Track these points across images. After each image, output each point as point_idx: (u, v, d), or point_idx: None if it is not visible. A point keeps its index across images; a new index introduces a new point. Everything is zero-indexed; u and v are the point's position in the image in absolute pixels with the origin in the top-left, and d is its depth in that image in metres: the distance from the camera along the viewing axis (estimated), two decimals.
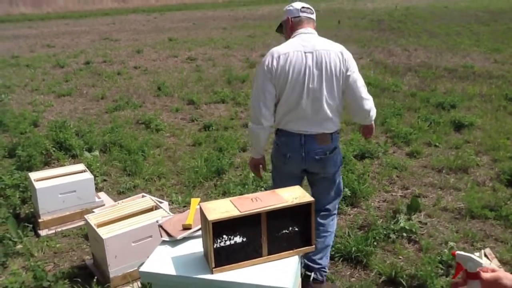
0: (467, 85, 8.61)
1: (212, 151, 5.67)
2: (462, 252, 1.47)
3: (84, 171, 4.25)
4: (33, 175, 4.15)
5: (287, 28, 2.87)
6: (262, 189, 4.44)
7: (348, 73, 2.70)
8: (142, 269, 2.01)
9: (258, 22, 21.69)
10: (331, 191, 3.00)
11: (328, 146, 2.79)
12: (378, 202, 4.37)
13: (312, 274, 2.94)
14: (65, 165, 4.91)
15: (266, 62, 2.70)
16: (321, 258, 2.97)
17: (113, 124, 6.80)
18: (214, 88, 8.98)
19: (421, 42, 14.14)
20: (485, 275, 1.34)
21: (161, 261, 2.04)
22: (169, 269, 1.98)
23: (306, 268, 2.95)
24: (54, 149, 5.54)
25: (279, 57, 2.67)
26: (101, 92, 8.88)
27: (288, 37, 2.87)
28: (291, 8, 2.86)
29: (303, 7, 2.83)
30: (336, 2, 35.12)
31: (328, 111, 2.72)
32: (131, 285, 3.14)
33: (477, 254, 1.46)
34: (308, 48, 2.69)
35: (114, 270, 3.11)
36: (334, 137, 2.83)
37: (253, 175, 4.73)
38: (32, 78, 10.54)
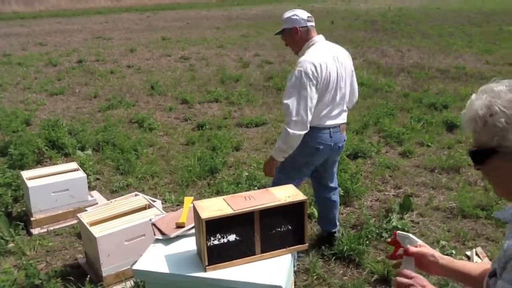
0: (459, 85, 8.67)
1: (205, 150, 5.67)
2: (401, 232, 1.68)
3: (77, 169, 4.24)
4: (25, 174, 4.13)
5: (295, 37, 3.05)
6: (256, 188, 4.46)
7: (352, 69, 3.20)
8: (135, 267, 2.01)
9: (252, 22, 21.70)
10: (335, 170, 3.47)
11: (345, 133, 3.24)
12: (371, 201, 4.39)
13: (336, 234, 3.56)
14: (57, 164, 4.89)
15: (310, 71, 2.85)
16: (336, 226, 3.59)
17: (106, 123, 6.78)
18: (208, 88, 8.98)
19: (414, 43, 14.21)
20: (411, 249, 1.59)
21: (155, 259, 2.04)
22: (163, 267, 1.98)
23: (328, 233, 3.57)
24: (46, 147, 5.51)
25: (320, 65, 2.87)
26: (94, 91, 8.85)
27: (297, 44, 3.08)
28: (296, 17, 3.02)
29: (308, 17, 3.05)
30: (330, 2, 35.22)
31: (346, 104, 3.15)
32: (124, 283, 3.13)
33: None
34: (332, 53, 3.01)
35: (107, 268, 3.11)
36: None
37: (247, 173, 4.75)
38: (24, 76, 10.48)
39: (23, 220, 4.01)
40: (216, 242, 1.94)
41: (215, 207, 1.97)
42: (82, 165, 4.70)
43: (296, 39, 3.05)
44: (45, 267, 3.46)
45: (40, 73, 10.83)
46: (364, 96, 7.77)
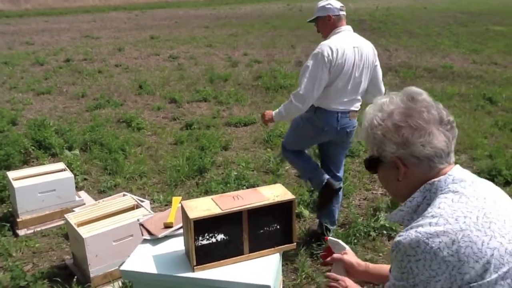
0: (446, 85, 8.74)
1: (194, 149, 5.65)
2: (332, 238, 1.81)
3: (64, 170, 4.20)
4: (11, 174, 4.08)
5: (328, 24, 3.27)
6: (244, 187, 4.46)
7: (376, 64, 3.34)
8: (123, 267, 2.00)
9: (241, 21, 21.69)
10: (343, 158, 3.64)
11: (355, 120, 3.35)
12: (359, 200, 4.41)
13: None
14: (44, 164, 4.85)
15: (326, 54, 3.06)
16: (335, 223, 3.64)
17: (94, 122, 6.73)
18: (196, 87, 8.95)
19: (401, 42, 14.31)
20: (334, 256, 1.75)
21: (143, 259, 2.04)
22: (151, 268, 1.98)
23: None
24: (33, 147, 5.45)
25: (337, 50, 3.08)
26: (82, 90, 8.77)
27: (327, 32, 3.29)
28: (330, 6, 3.24)
29: (341, 6, 3.28)
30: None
31: (360, 94, 3.30)
32: (112, 284, 3.11)
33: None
34: (354, 43, 3.19)
35: (95, 269, 3.09)
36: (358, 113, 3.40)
37: (235, 173, 4.75)
38: (11, 75, 10.35)
39: (9, 221, 3.96)
40: (204, 242, 1.94)
41: (203, 207, 1.97)
42: (69, 165, 4.66)
43: (328, 26, 3.27)
44: (32, 268, 3.42)
45: (26, 72, 10.71)
46: None
